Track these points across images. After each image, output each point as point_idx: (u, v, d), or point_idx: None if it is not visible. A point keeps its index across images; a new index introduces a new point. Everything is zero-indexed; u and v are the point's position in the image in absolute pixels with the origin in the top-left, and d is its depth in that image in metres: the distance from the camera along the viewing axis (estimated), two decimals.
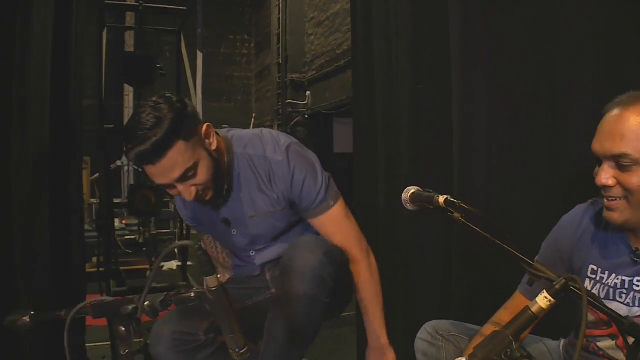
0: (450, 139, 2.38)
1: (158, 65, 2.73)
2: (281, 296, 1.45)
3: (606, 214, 1.15)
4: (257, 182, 1.55)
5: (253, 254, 1.67)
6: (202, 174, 1.40)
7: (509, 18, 2.04)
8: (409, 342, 1.77)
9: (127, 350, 0.93)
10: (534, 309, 0.83)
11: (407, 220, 2.82)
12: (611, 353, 1.18)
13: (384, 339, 1.66)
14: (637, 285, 1.14)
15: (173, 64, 3.21)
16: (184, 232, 3.55)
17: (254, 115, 9.34)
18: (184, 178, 1.37)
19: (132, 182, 6.35)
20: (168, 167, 1.33)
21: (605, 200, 1.14)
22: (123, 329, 0.92)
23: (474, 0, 2.17)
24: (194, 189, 1.40)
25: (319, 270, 1.40)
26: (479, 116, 2.19)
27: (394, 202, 2.89)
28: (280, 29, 7.75)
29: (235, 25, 9.41)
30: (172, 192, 1.42)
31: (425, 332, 1.46)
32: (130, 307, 0.91)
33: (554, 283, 0.84)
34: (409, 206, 1.31)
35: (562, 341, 1.40)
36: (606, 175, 1.11)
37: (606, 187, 1.12)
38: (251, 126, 9.04)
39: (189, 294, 0.94)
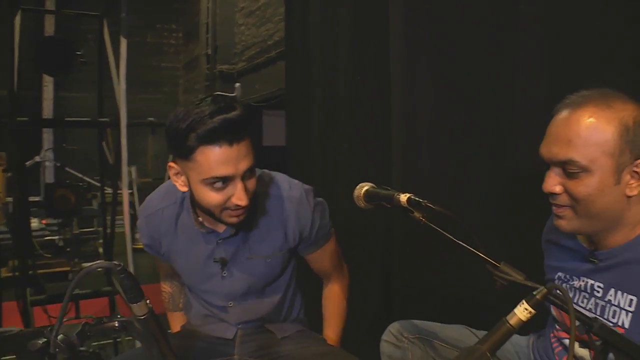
0: (391, 131, 2.35)
1: (78, 52, 2.49)
2: None
3: (555, 221, 1.10)
4: (265, 222, 1.45)
5: (231, 305, 1.52)
6: (255, 180, 1.31)
7: (454, 6, 2.00)
8: (348, 336, 1.76)
9: None
10: (512, 321, 0.77)
11: (345, 213, 2.77)
12: None
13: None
14: (598, 292, 1.11)
15: (96, 51, 2.99)
16: (108, 231, 3.30)
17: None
18: (248, 173, 1.26)
19: (52, 180, 5.93)
20: (242, 154, 1.22)
21: (553, 207, 1.09)
22: None
23: None
24: (248, 194, 1.26)
25: None
26: (421, 107, 2.16)
27: (331, 196, 2.83)
28: (210, 19, 7.50)
29: (163, 13, 9.05)
30: (218, 196, 1.25)
31: (390, 335, 1.43)
32: (40, 342, 0.75)
33: (535, 292, 0.78)
34: (362, 204, 1.23)
35: (532, 337, 1.37)
36: (552, 182, 1.05)
37: (553, 195, 1.06)
38: None
39: (112, 323, 0.80)
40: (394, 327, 1.49)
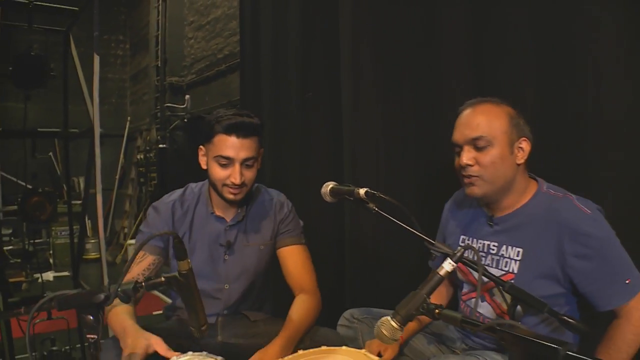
0: (340, 141, 2.64)
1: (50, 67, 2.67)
2: None
3: (468, 189, 1.48)
4: (260, 217, 1.87)
5: (227, 287, 1.84)
6: (254, 171, 1.76)
7: (397, 22, 2.32)
8: None
9: (95, 338, 1.02)
10: (441, 272, 1.08)
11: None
12: (490, 316, 1.51)
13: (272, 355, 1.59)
14: (493, 250, 1.49)
15: (61, 65, 3.13)
16: (75, 241, 3.42)
17: (129, 118, 9.04)
18: (246, 161, 1.70)
19: None
20: (245, 146, 1.68)
21: (466, 179, 1.46)
22: (91, 317, 1.00)
23: (363, 3, 2.42)
24: (242, 177, 1.70)
25: None
26: (367, 118, 2.47)
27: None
28: (160, 31, 7.59)
29: (110, 25, 9.02)
30: (222, 172, 1.70)
31: (344, 319, 1.79)
32: (102, 296, 0.99)
33: (456, 251, 1.09)
34: (328, 199, 1.53)
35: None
36: (468, 156, 1.44)
37: (467, 167, 1.44)
38: (126, 130, 8.75)
39: (160, 279, 1.05)
40: (346, 313, 1.84)
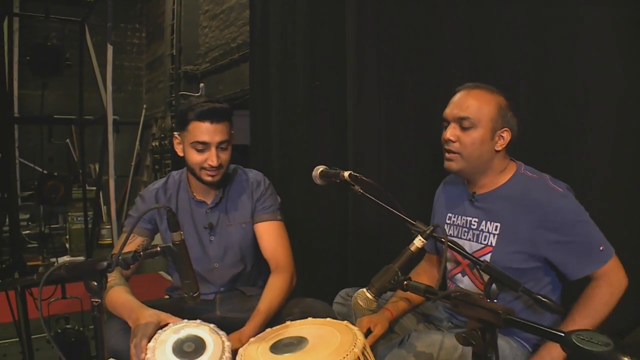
0: (345, 131, 2.73)
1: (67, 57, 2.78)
2: None
3: (446, 164, 1.59)
4: (238, 196, 1.96)
5: (217, 266, 1.95)
6: (229, 152, 1.86)
7: (400, 18, 2.40)
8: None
9: (98, 301, 1.13)
10: (412, 248, 1.17)
11: (302, 207, 3.13)
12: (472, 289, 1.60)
13: (248, 335, 1.64)
14: (474, 225, 1.60)
15: (77, 54, 3.26)
16: (91, 227, 3.54)
17: (144, 106, 9.19)
18: (220, 144, 1.81)
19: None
20: (219, 130, 1.79)
21: (446, 154, 1.58)
22: (95, 283, 1.12)
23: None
24: (218, 159, 1.76)
25: None
26: (370, 111, 2.54)
27: (290, 191, 3.19)
28: (175, 20, 7.69)
29: (126, 13, 9.16)
30: (199, 157, 1.80)
31: (339, 297, 1.89)
32: (104, 264, 1.11)
33: (426, 229, 1.18)
34: (318, 181, 1.63)
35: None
36: (452, 132, 1.55)
37: (449, 142, 1.55)
38: (142, 117, 8.90)
39: (155, 249, 1.16)
40: (342, 292, 1.93)
